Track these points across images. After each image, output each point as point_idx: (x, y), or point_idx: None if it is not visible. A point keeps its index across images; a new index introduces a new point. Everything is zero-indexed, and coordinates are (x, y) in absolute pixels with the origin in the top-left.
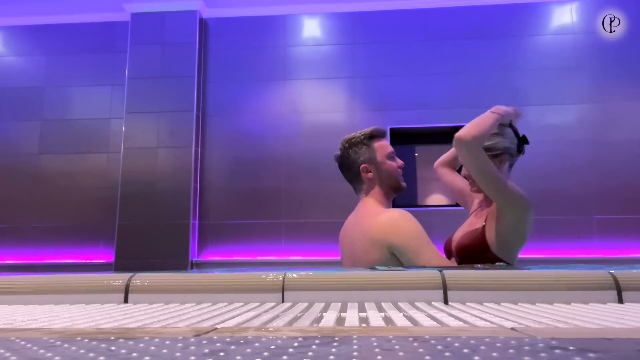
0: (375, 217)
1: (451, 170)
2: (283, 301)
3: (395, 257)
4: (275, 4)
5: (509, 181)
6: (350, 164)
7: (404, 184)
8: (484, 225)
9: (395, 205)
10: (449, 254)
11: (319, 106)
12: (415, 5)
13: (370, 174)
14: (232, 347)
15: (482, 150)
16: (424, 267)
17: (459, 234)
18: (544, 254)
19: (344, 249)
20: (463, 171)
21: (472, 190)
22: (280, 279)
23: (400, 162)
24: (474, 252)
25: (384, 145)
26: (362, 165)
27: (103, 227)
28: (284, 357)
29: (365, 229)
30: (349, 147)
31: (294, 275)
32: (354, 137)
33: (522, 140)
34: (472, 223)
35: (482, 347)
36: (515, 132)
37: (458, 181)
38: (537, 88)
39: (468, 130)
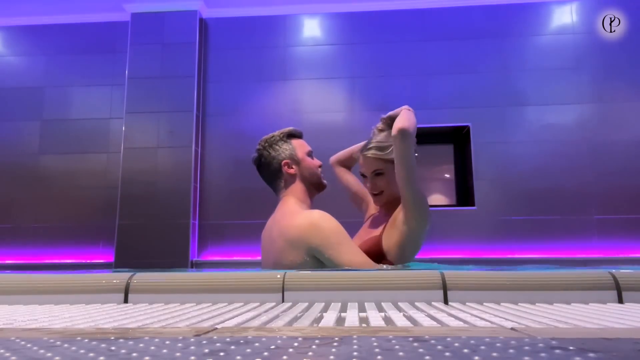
0: (293, 218)
1: (346, 170)
2: (283, 301)
3: (315, 259)
4: (275, 4)
5: (424, 192)
6: (270, 162)
7: (325, 182)
8: (381, 233)
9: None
10: None
11: (319, 106)
12: (415, 5)
13: (292, 169)
14: (232, 347)
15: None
16: (345, 267)
17: (357, 241)
18: (544, 254)
19: (264, 249)
20: (361, 169)
21: (370, 190)
22: (280, 279)
23: (318, 161)
24: (372, 258)
25: (303, 144)
26: (284, 161)
27: (103, 227)
28: (284, 357)
29: (283, 230)
30: (269, 145)
31: (294, 275)
32: (272, 137)
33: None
34: (369, 231)
35: (482, 347)
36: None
37: (353, 182)
38: (537, 88)
39: (409, 122)
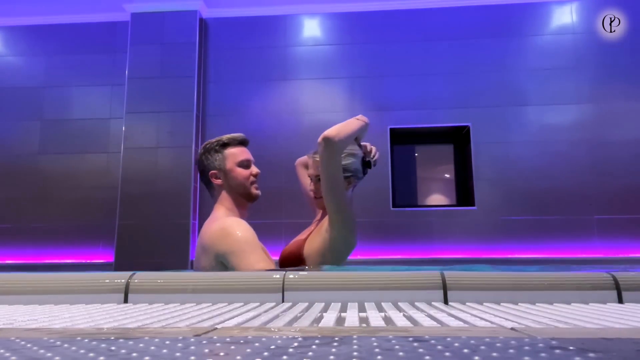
0: (211, 225)
1: (305, 174)
2: (283, 301)
3: (224, 266)
4: (275, 4)
5: (348, 201)
6: (203, 170)
7: (256, 192)
8: (306, 238)
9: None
10: None
11: (319, 106)
12: (415, 5)
13: (218, 180)
14: (232, 347)
15: (340, 156)
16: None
17: (294, 240)
18: (544, 254)
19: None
20: (308, 172)
21: (313, 193)
22: (280, 279)
23: (255, 170)
24: (292, 261)
25: (235, 153)
26: (211, 172)
27: (103, 227)
28: (284, 357)
29: (202, 236)
30: (204, 152)
31: (294, 275)
32: (209, 144)
33: (366, 165)
34: (300, 234)
35: (482, 347)
36: (364, 156)
37: (306, 184)
38: (537, 88)
39: (337, 131)
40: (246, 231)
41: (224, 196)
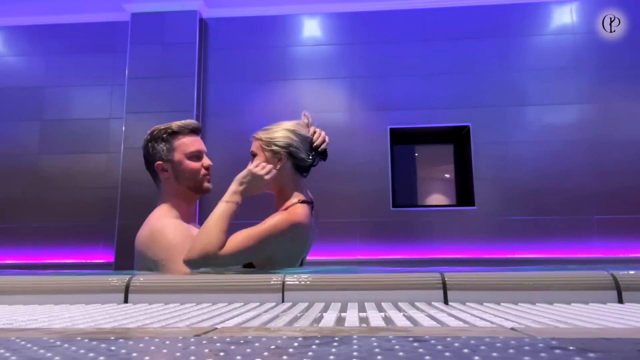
0: (144, 227)
1: None
2: (283, 301)
3: (156, 268)
4: (275, 4)
5: (252, 233)
6: (148, 159)
7: (207, 185)
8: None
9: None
10: None
11: (319, 106)
12: (415, 5)
13: (166, 172)
14: (232, 347)
15: (224, 255)
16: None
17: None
18: (544, 254)
19: None
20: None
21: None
22: (280, 279)
23: (207, 162)
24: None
25: (186, 143)
26: (157, 163)
27: (103, 227)
28: (284, 357)
29: (136, 237)
30: (150, 140)
31: (294, 275)
32: (156, 130)
33: (319, 154)
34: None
35: (482, 347)
36: (316, 148)
37: None
38: (537, 88)
39: (192, 249)
40: (177, 235)
41: (170, 190)
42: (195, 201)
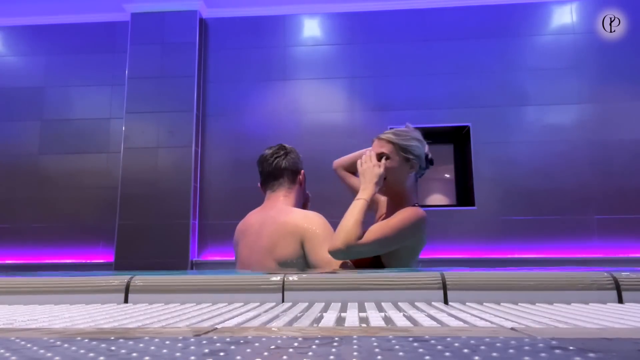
0: (294, 213)
1: (350, 175)
2: (283, 301)
3: (302, 249)
4: (275, 4)
5: (395, 222)
6: (297, 163)
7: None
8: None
9: None
10: None
11: (319, 106)
12: (415, 5)
13: (303, 181)
14: (232, 347)
15: (363, 244)
16: (317, 262)
17: None
18: (544, 254)
19: (244, 246)
20: (374, 149)
21: (381, 192)
22: (280, 279)
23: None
24: (368, 262)
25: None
26: (303, 172)
27: (103, 227)
28: (284, 357)
29: (280, 224)
30: (291, 151)
31: (294, 275)
32: (290, 148)
33: (429, 161)
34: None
35: (482, 347)
36: (429, 158)
37: (358, 183)
38: (537, 88)
39: (335, 240)
40: (329, 226)
41: (299, 196)
42: None
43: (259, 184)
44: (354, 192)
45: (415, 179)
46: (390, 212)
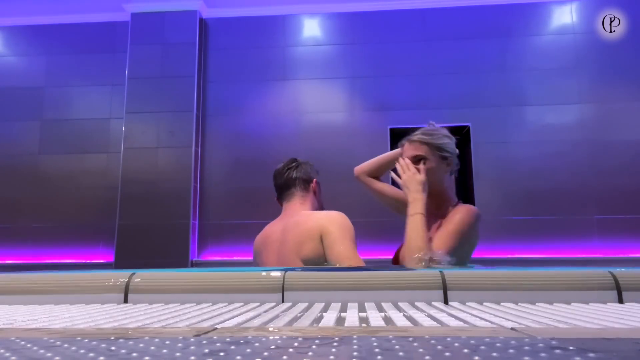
0: (315, 214)
1: (375, 180)
2: (283, 301)
3: (321, 244)
4: (275, 4)
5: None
6: (309, 172)
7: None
8: (431, 238)
9: None
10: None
11: (319, 106)
12: (415, 5)
13: (317, 190)
14: (232, 347)
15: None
16: (338, 258)
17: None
18: (544, 254)
19: (269, 254)
20: (403, 155)
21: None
22: (280, 279)
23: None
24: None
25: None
26: (315, 180)
27: (103, 227)
28: (284, 357)
29: (301, 226)
30: (304, 163)
31: (294, 275)
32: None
33: (459, 157)
34: None
35: (482, 347)
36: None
37: (385, 187)
38: (537, 88)
39: (408, 263)
40: (351, 225)
41: (314, 204)
42: None
43: (275, 198)
44: (382, 197)
45: (450, 175)
46: (433, 213)
